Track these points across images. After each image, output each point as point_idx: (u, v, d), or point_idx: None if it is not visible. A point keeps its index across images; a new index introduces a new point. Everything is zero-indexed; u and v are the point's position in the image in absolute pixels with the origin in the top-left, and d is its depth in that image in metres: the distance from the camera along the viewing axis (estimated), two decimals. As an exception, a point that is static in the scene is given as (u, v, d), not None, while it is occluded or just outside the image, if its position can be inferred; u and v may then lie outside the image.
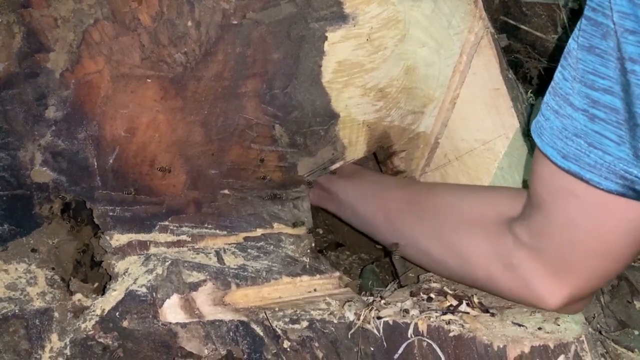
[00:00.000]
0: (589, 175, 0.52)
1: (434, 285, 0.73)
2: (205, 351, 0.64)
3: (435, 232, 0.69)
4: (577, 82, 0.52)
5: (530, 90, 0.93)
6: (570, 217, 0.55)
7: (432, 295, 0.67)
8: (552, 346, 0.56)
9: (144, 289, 0.65)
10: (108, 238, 0.69)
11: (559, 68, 0.54)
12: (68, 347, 0.64)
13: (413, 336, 0.61)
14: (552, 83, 0.55)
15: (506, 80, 0.78)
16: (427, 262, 0.73)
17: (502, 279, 0.62)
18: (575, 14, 0.96)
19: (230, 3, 0.64)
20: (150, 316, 0.64)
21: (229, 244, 0.72)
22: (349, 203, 0.82)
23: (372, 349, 0.63)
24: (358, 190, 0.81)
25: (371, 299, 0.69)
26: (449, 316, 0.61)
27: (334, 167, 0.78)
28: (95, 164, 0.68)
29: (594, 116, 0.51)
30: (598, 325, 0.67)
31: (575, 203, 0.54)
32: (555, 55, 0.96)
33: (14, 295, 0.65)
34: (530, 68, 0.97)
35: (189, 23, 0.64)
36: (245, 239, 0.73)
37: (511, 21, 0.97)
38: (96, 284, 0.71)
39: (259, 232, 0.74)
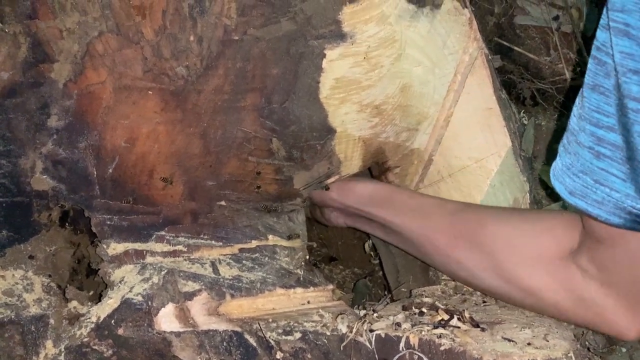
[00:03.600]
0: (596, 212, 0.52)
1: (425, 299, 0.74)
2: (199, 360, 0.65)
3: (494, 268, 0.67)
4: (583, 120, 0.52)
5: (522, 111, 0.95)
6: (633, 252, 0.55)
7: (424, 310, 0.68)
8: (540, 361, 0.57)
9: (139, 298, 0.66)
10: (105, 246, 0.70)
11: (573, 106, 0.55)
12: (63, 354, 0.64)
13: (404, 349, 0.62)
14: (569, 121, 0.56)
15: (499, 100, 0.80)
16: (487, 292, 0.72)
17: (573, 312, 0.62)
18: (568, 37, 0.99)
19: (231, 19, 0.66)
20: (145, 324, 0.65)
21: (224, 255, 0.73)
22: (394, 234, 0.79)
23: (363, 361, 0.64)
24: (399, 222, 0.77)
25: (364, 312, 0.70)
26: (440, 330, 0.62)
27: (329, 181, 0.79)
28: (95, 173, 0.69)
29: (600, 154, 0.51)
30: (586, 342, 0.68)
31: (635, 237, 0.54)
32: (548, 76, 0.99)
33: (10, 301, 0.65)
34: (523, 89, 0.99)
35: (191, 38, 0.66)
36: (241, 250, 0.74)
37: (505, 43, 0.99)
38: (91, 292, 0.72)
39: (254, 243, 0.75)
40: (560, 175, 0.55)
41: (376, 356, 0.63)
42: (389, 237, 0.82)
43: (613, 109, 0.50)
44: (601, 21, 0.50)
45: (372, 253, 1.02)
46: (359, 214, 0.82)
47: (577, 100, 0.54)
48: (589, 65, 0.52)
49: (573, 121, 0.54)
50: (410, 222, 0.76)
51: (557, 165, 0.56)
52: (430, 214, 0.76)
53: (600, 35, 0.50)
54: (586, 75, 0.52)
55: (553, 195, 0.91)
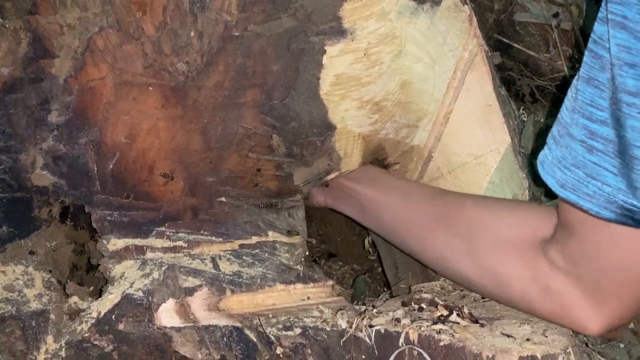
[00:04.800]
0: (588, 205, 0.52)
1: (425, 295, 0.74)
2: (199, 355, 0.65)
3: (469, 252, 0.67)
4: (576, 113, 0.52)
5: (522, 107, 0.95)
6: (602, 245, 0.55)
7: (424, 306, 0.68)
8: (539, 357, 0.57)
9: (140, 293, 0.66)
10: (105, 242, 0.70)
11: (565, 98, 0.54)
12: (63, 349, 0.64)
13: (404, 345, 0.62)
14: (558, 113, 0.55)
15: (499, 97, 0.80)
16: (458, 278, 0.72)
17: (539, 303, 0.62)
18: (567, 34, 0.99)
19: (232, 15, 0.66)
20: (146, 320, 0.65)
21: (225, 251, 0.73)
22: (373, 212, 0.79)
23: (363, 356, 0.64)
24: (382, 199, 0.78)
25: (363, 307, 0.70)
26: (439, 326, 0.62)
27: (329, 177, 0.79)
28: (95, 168, 0.69)
29: (592, 147, 0.51)
30: (585, 338, 0.68)
31: (605, 232, 0.54)
32: (547, 73, 0.99)
33: (11, 296, 0.66)
34: (522, 85, 0.99)
35: (192, 33, 0.66)
36: (241, 246, 0.74)
37: (505, 40, 0.99)
38: (92, 288, 0.72)
39: (254, 239, 0.75)
40: (550, 168, 0.55)
41: (376, 351, 0.63)
42: (365, 217, 0.82)
43: (606, 102, 0.49)
44: (599, 14, 0.50)
45: (370, 249, 1.02)
46: (342, 190, 0.82)
47: (569, 93, 0.54)
48: (584, 58, 0.51)
49: (564, 113, 0.54)
50: (393, 200, 0.77)
51: (546, 157, 0.56)
52: (413, 194, 0.77)
53: (598, 28, 0.50)
54: (581, 68, 0.52)
55: (550, 193, 0.91)
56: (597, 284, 0.57)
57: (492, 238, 0.66)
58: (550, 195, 0.89)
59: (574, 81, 0.53)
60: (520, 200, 0.79)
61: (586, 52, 0.51)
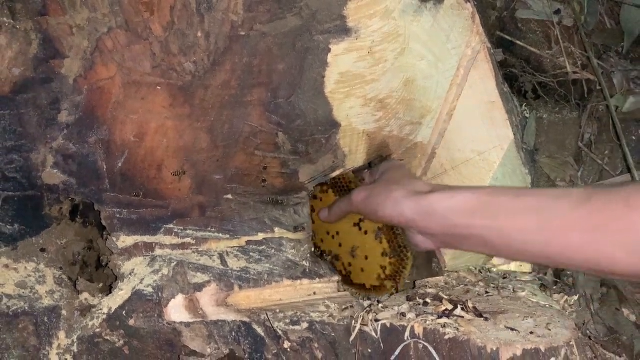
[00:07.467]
0: None
1: (429, 290, 0.75)
2: (208, 350, 0.66)
3: None
4: None
5: (524, 104, 0.96)
6: None
7: (428, 300, 0.69)
8: (543, 349, 0.58)
9: (150, 289, 0.67)
10: (114, 239, 0.71)
11: None
12: (75, 344, 0.66)
13: (409, 338, 0.63)
14: None
15: (501, 94, 0.80)
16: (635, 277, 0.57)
17: None
18: (569, 31, 0.99)
19: (238, 15, 0.66)
20: (156, 315, 0.66)
21: (232, 247, 0.74)
22: (503, 242, 0.64)
23: (369, 350, 0.65)
24: (510, 225, 0.63)
25: (369, 302, 0.71)
26: (444, 320, 0.63)
27: (334, 174, 0.80)
28: (105, 167, 0.70)
29: None
30: (588, 331, 0.69)
31: None
32: (549, 70, 0.99)
33: (23, 292, 0.67)
34: (525, 82, 1.00)
35: (199, 34, 0.67)
36: (248, 242, 0.75)
37: (507, 37, 0.99)
38: (101, 284, 0.73)
39: (261, 236, 0.76)
40: None
41: (382, 345, 0.64)
42: (494, 250, 0.67)
43: None
44: None
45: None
46: (453, 231, 0.67)
47: None
48: None
49: None
50: (528, 224, 0.62)
51: None
52: (552, 210, 0.61)
53: None
54: None
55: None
56: None
57: None
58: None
59: None
60: None
61: None
